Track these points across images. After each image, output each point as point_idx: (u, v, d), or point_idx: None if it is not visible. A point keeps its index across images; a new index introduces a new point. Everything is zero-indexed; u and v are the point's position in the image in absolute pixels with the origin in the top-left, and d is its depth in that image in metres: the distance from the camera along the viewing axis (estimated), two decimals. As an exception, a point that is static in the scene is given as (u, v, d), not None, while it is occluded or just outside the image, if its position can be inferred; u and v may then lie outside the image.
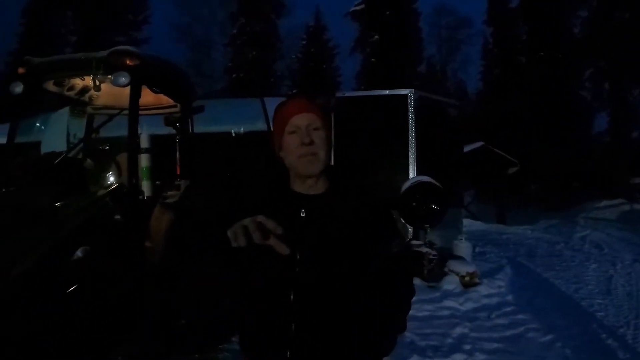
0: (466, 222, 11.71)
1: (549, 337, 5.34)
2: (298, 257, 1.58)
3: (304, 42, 35.25)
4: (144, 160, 3.68)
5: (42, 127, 4.55)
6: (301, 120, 1.69)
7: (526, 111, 26.81)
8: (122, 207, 3.49)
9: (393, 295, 1.67)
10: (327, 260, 1.59)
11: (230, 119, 7.08)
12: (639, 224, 16.64)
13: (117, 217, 3.42)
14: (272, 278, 1.62)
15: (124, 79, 3.66)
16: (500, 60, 31.55)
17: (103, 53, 3.87)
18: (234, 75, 30.83)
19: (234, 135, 6.54)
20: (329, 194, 1.73)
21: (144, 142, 3.71)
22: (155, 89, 4.27)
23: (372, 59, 29.53)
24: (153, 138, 5.70)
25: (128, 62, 3.73)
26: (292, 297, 1.59)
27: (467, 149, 14.53)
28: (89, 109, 5.04)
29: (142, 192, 3.64)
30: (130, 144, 3.70)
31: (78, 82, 4.42)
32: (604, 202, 22.01)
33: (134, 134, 3.72)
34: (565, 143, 25.15)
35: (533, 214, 21.36)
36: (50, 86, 4.42)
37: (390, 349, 1.68)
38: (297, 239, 1.56)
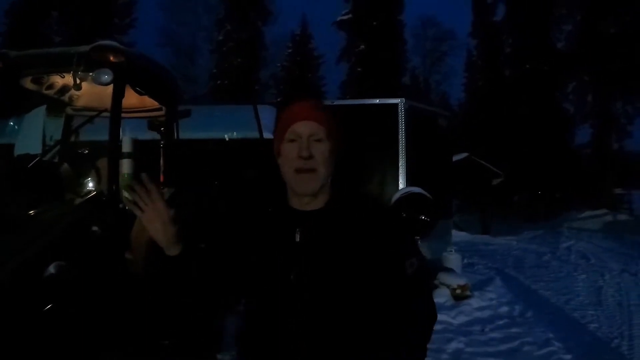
0: (453, 233, 11.59)
1: (544, 350, 5.19)
2: (293, 279, 1.49)
3: (289, 51, 35.14)
4: (125, 166, 3.38)
5: (16, 128, 4.25)
6: (303, 128, 1.53)
7: (510, 123, 26.95)
8: (100, 217, 3.22)
9: (412, 322, 1.54)
10: (324, 284, 1.48)
11: (222, 126, 6.85)
12: (623, 233, 16.75)
13: (95, 228, 3.15)
14: (270, 300, 1.53)
15: (106, 77, 3.35)
16: (484, 72, 31.77)
17: (85, 48, 3.55)
18: (218, 82, 30.58)
19: (227, 139, 6.32)
20: (328, 209, 1.57)
21: (126, 147, 3.41)
22: (140, 89, 4.00)
23: (358, 69, 29.51)
24: (135, 143, 5.48)
25: (112, 58, 3.42)
26: (291, 320, 1.49)
27: (453, 160, 14.45)
28: (68, 110, 4.76)
29: (121, 201, 3.37)
30: (111, 148, 3.41)
31: (57, 80, 4.12)
32: (587, 213, 22.23)
33: (115, 137, 3.42)
34: (549, 154, 25.30)
35: (517, 224, 21.43)
36: (28, 84, 4.12)
37: None
38: (292, 262, 1.49)
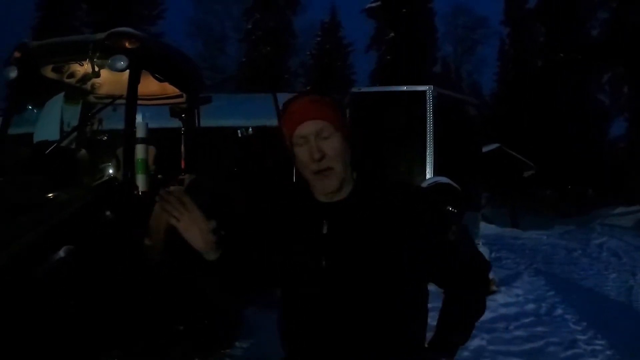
0: (481, 225, 11.36)
1: (570, 352, 4.99)
2: (323, 268, 1.50)
3: (318, 39, 34.93)
4: (139, 151, 3.36)
5: (37, 115, 4.26)
6: (307, 129, 1.50)
7: (542, 114, 26.35)
8: (113, 202, 3.18)
9: (468, 276, 1.64)
10: (354, 273, 1.48)
11: (241, 114, 6.79)
12: (656, 232, 16.25)
13: (108, 213, 3.11)
14: (301, 293, 1.56)
15: (122, 63, 3.36)
16: (516, 61, 31.08)
17: (101, 35, 3.56)
18: (247, 71, 30.61)
19: (240, 135, 6.26)
20: (353, 199, 1.56)
21: (140, 132, 3.39)
22: (158, 76, 3.97)
23: (388, 57, 29.21)
24: (160, 131, 5.47)
25: (127, 44, 3.42)
26: (324, 310, 1.51)
27: (483, 150, 14.18)
28: (91, 98, 4.77)
29: (136, 187, 3.32)
30: (127, 134, 3.38)
31: (78, 68, 4.12)
32: (620, 209, 21.59)
33: (130, 123, 3.41)
34: (582, 147, 24.69)
35: (548, 219, 20.92)
36: (49, 72, 4.14)
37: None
38: (321, 251, 1.51)
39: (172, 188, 4.14)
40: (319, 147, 1.48)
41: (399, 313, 1.52)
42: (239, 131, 6.31)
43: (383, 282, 1.48)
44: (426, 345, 1.65)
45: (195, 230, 1.52)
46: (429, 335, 1.67)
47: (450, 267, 1.60)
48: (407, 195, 1.57)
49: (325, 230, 1.52)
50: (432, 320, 1.66)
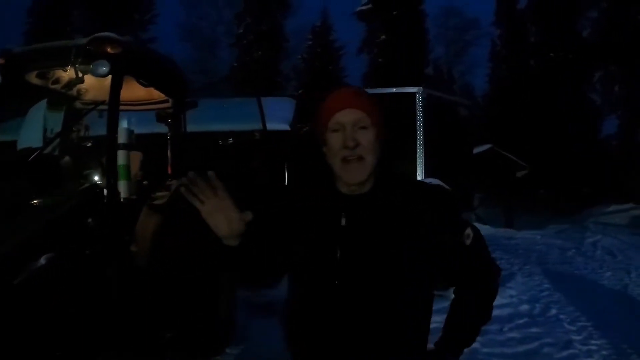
0: (474, 226, 11.34)
1: (565, 352, 4.96)
2: (339, 260, 1.52)
3: (310, 42, 34.88)
4: (121, 157, 3.32)
5: (20, 122, 4.21)
6: (346, 117, 1.53)
7: (535, 114, 26.41)
8: (94, 209, 3.13)
9: (481, 281, 1.67)
10: (370, 267, 1.51)
11: (227, 118, 6.77)
12: (650, 229, 16.26)
13: (90, 220, 3.06)
14: (316, 283, 1.57)
15: (104, 68, 3.30)
16: (508, 62, 31.14)
17: (83, 40, 3.52)
18: (239, 75, 30.53)
19: (220, 144, 6.26)
20: (373, 194, 1.59)
21: (122, 138, 3.35)
22: (143, 81, 3.92)
23: (379, 59, 29.20)
24: (147, 136, 5.41)
25: (109, 49, 3.38)
26: (336, 301, 1.52)
27: (475, 151, 14.17)
28: (77, 104, 4.71)
29: (118, 193, 3.28)
30: (109, 140, 3.33)
31: (62, 74, 4.07)
32: (613, 207, 21.62)
33: (113, 129, 3.36)
34: (574, 146, 24.75)
35: (542, 218, 20.90)
36: (34, 79, 4.09)
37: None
38: (337, 242, 1.53)
39: (158, 194, 4.12)
40: (353, 136, 1.51)
41: (408, 311, 1.54)
42: (220, 141, 6.31)
43: (395, 279, 1.51)
44: (432, 345, 1.66)
45: (220, 216, 1.50)
46: (433, 337, 1.68)
47: (463, 271, 1.64)
48: (425, 196, 1.59)
49: (343, 222, 1.54)
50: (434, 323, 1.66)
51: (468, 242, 1.58)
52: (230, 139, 6.22)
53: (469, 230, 1.60)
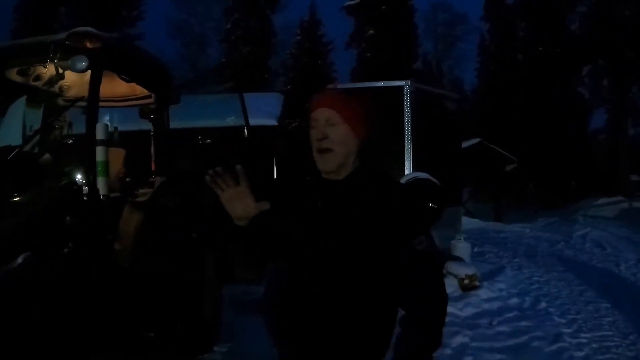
0: (463, 220, 11.31)
1: (555, 346, 4.95)
2: (313, 234, 1.72)
3: (298, 37, 34.73)
4: (99, 154, 3.24)
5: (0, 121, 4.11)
6: (320, 114, 1.77)
7: (523, 108, 26.49)
8: (71, 206, 3.06)
9: (425, 305, 1.69)
10: (338, 244, 1.68)
11: (209, 115, 6.70)
12: (638, 221, 16.33)
13: (68, 218, 2.99)
14: (295, 254, 1.77)
15: (83, 64, 3.22)
16: (496, 56, 31.20)
17: (62, 35, 3.43)
18: (227, 71, 30.34)
19: (200, 142, 6.26)
20: (346, 182, 1.78)
21: (100, 134, 3.27)
22: (124, 76, 3.84)
23: (367, 54, 29.10)
24: (131, 133, 5.33)
25: (88, 44, 3.29)
26: (311, 275, 1.72)
27: (464, 145, 14.17)
28: (60, 101, 4.62)
29: (100, 190, 3.21)
30: (87, 137, 3.26)
31: (43, 71, 3.97)
32: (602, 200, 21.76)
33: (92, 125, 3.28)
34: (563, 140, 24.85)
35: (531, 211, 20.99)
36: (14, 76, 4.00)
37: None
38: (313, 222, 1.73)
39: (141, 191, 4.05)
40: (324, 130, 1.74)
41: (369, 292, 1.70)
42: (199, 140, 6.30)
43: (356, 260, 1.67)
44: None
45: (239, 202, 1.68)
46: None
47: (410, 278, 1.70)
48: (391, 190, 1.76)
49: (319, 204, 1.77)
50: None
51: (419, 247, 1.69)
52: (208, 140, 6.23)
53: (423, 238, 1.71)
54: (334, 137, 1.73)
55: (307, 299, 1.72)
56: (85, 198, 3.19)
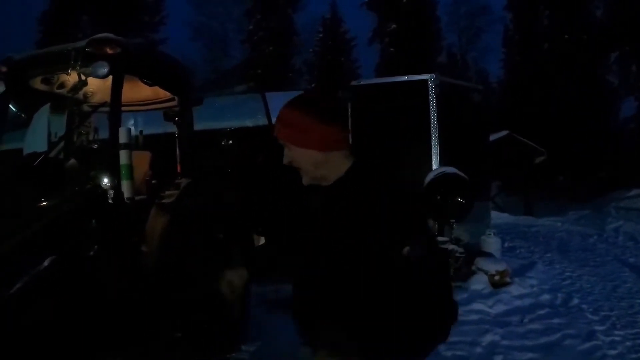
0: (493, 214, 11.16)
1: (588, 344, 4.81)
2: (305, 236, 1.75)
3: (320, 35, 34.75)
4: (123, 157, 3.28)
5: (25, 128, 4.19)
6: (280, 141, 1.75)
7: (550, 98, 25.98)
8: (96, 210, 3.11)
9: (421, 318, 1.49)
10: (328, 247, 1.64)
11: (232, 115, 6.73)
12: (673, 213, 15.87)
13: (93, 221, 3.04)
14: (292, 253, 1.87)
15: (104, 69, 3.26)
16: (521, 46, 30.66)
17: (82, 42, 3.48)
18: (251, 72, 30.51)
19: (222, 144, 6.28)
20: (336, 185, 1.72)
21: (123, 137, 3.30)
22: (146, 80, 3.87)
23: (391, 49, 28.98)
24: (157, 136, 5.38)
25: (108, 50, 3.33)
26: (306, 278, 1.75)
27: (491, 138, 13.95)
28: (84, 107, 4.69)
29: (125, 194, 3.26)
30: (111, 141, 3.30)
31: (66, 78, 4.05)
32: (635, 191, 21.12)
33: (115, 130, 3.32)
34: (593, 130, 24.31)
35: (562, 205, 20.56)
36: (39, 84, 4.08)
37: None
38: (305, 225, 1.77)
39: (167, 193, 4.07)
40: (286, 153, 1.73)
41: (358, 296, 1.57)
42: (222, 142, 6.31)
43: (344, 267, 1.58)
44: None
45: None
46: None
47: (406, 287, 1.50)
48: (378, 193, 1.61)
49: (311, 207, 1.78)
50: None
51: (412, 254, 1.49)
52: (230, 140, 6.23)
53: (416, 244, 1.51)
54: (295, 157, 1.71)
55: (312, 302, 1.72)
56: (110, 201, 3.22)
